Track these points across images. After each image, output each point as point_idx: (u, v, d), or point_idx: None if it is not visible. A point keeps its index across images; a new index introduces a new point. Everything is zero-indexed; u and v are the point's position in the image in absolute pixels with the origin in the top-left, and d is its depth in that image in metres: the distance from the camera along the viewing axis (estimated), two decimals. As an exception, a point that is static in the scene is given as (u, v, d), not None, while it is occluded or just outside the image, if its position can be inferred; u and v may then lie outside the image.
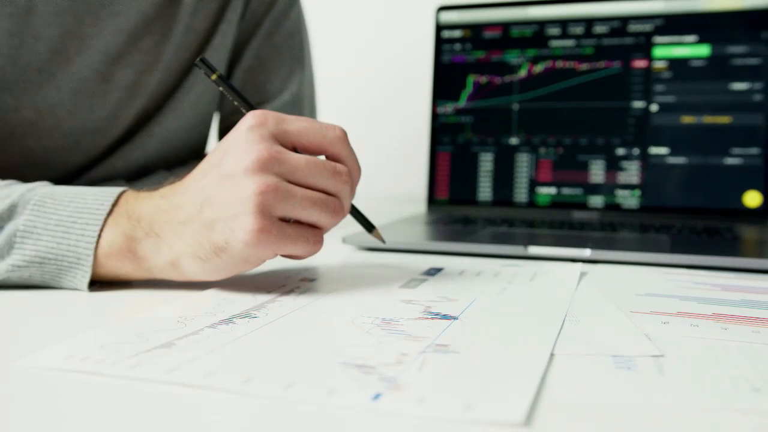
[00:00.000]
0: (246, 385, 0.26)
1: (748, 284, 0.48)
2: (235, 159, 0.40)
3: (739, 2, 0.83)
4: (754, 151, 0.81)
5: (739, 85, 0.82)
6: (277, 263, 0.54)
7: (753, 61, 0.82)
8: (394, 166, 1.32)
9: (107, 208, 0.42)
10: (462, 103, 0.93)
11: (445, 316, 0.37)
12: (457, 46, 0.93)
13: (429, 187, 0.93)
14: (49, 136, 0.63)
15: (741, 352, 0.32)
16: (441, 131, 0.93)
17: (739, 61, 0.82)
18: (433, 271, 0.51)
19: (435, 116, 0.94)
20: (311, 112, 0.81)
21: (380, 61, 1.32)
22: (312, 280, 0.47)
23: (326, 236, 0.72)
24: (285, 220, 0.41)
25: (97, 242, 0.42)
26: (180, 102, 0.70)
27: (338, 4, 1.32)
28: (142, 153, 0.69)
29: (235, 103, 0.47)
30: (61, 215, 0.42)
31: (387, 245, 0.61)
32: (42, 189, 0.44)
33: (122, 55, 0.64)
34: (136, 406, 0.25)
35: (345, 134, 0.44)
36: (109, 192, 0.44)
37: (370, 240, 0.62)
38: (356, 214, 0.49)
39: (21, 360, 0.29)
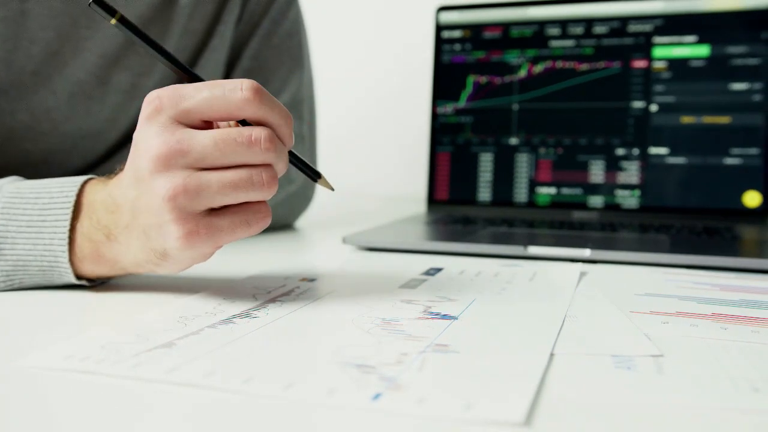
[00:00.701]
0: (246, 384, 0.26)
1: (747, 284, 0.48)
2: (140, 158, 0.38)
3: (739, 2, 0.83)
4: (753, 151, 0.81)
5: (739, 86, 0.82)
6: (277, 263, 0.54)
7: (752, 61, 0.82)
8: (394, 166, 1.32)
9: (71, 200, 0.41)
10: (462, 103, 0.93)
11: (445, 316, 0.37)
12: (457, 47, 0.93)
13: (429, 188, 0.93)
14: (46, 139, 0.63)
15: (740, 351, 0.32)
16: (441, 131, 0.93)
17: (738, 61, 0.82)
18: (433, 271, 0.51)
19: (435, 116, 0.94)
20: (311, 113, 0.81)
21: (380, 62, 1.32)
22: (312, 280, 0.47)
23: (326, 236, 0.73)
24: (212, 211, 0.39)
25: (71, 243, 0.41)
26: None
27: (338, 5, 1.32)
28: None
29: (151, 52, 0.41)
30: (31, 215, 0.42)
31: (387, 245, 0.61)
32: (9, 187, 0.43)
33: (119, 57, 0.64)
34: (136, 406, 0.25)
35: (254, 90, 0.37)
36: (71, 184, 0.42)
37: (370, 240, 0.62)
38: (298, 163, 0.44)
39: (21, 360, 0.29)
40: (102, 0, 0.40)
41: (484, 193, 0.90)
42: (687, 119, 0.83)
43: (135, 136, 0.39)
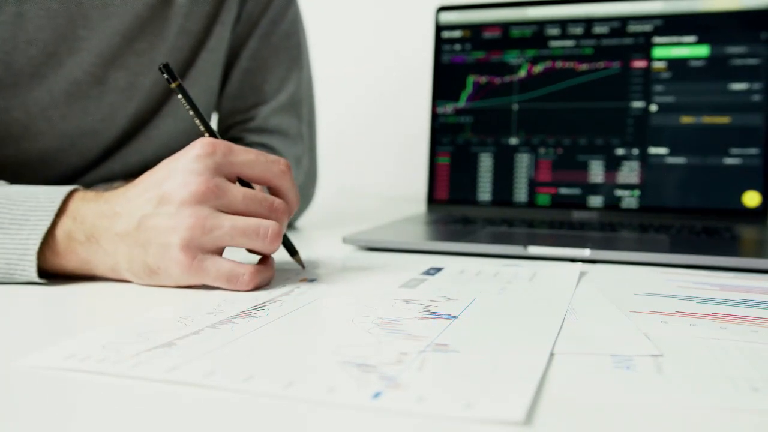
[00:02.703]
0: (246, 384, 0.26)
1: (747, 284, 0.48)
2: (177, 185, 0.42)
3: (739, 2, 0.83)
4: (753, 151, 0.81)
5: (738, 86, 0.82)
6: (277, 263, 0.54)
7: (752, 61, 0.82)
8: (394, 166, 1.32)
9: (56, 206, 0.43)
10: (462, 103, 0.93)
11: (445, 316, 0.37)
12: (457, 47, 0.94)
13: (429, 187, 0.93)
14: (43, 138, 0.63)
15: (740, 351, 0.32)
16: (441, 131, 0.93)
17: (738, 62, 0.82)
18: (433, 271, 0.51)
19: (435, 116, 0.94)
20: (310, 112, 0.81)
21: (380, 62, 1.32)
22: (312, 280, 0.47)
23: (326, 236, 0.73)
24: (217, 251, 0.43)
25: (46, 238, 0.43)
26: (177, 104, 0.70)
27: (338, 5, 1.33)
28: (140, 156, 0.69)
29: (196, 121, 0.47)
30: (15, 214, 0.44)
31: (387, 245, 0.61)
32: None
33: (116, 57, 0.64)
34: (137, 406, 0.25)
35: (289, 168, 0.46)
36: (60, 191, 0.45)
37: (370, 240, 0.62)
38: (287, 242, 0.50)
39: (22, 360, 0.29)
40: (169, 67, 0.47)
41: (484, 193, 0.90)
42: (687, 119, 0.84)
43: (173, 162, 0.43)
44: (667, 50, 0.85)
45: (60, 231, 0.43)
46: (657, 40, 0.85)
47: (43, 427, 0.23)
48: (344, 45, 1.33)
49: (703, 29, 0.84)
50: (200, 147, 0.43)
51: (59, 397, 0.26)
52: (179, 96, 0.47)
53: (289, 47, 0.77)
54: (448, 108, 0.93)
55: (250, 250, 0.45)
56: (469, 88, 0.93)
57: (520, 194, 0.89)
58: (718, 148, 0.82)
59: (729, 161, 0.82)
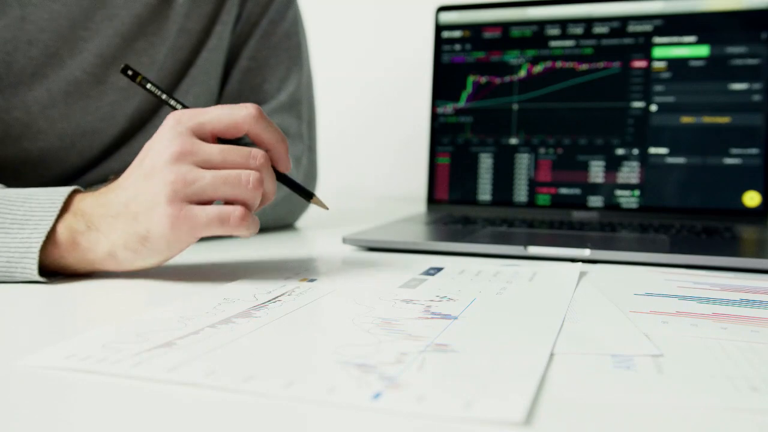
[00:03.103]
0: (246, 383, 0.26)
1: (747, 284, 0.48)
2: (156, 155, 0.44)
3: (739, 2, 0.83)
4: (753, 151, 0.81)
5: (738, 86, 0.82)
6: (277, 263, 0.54)
7: (752, 61, 0.82)
8: (394, 166, 1.32)
9: (59, 206, 0.44)
10: (462, 103, 0.93)
11: (445, 316, 0.37)
12: (457, 47, 0.94)
13: (429, 187, 0.93)
14: (43, 137, 0.63)
15: (740, 351, 0.32)
16: (441, 131, 0.93)
17: (738, 62, 0.82)
18: (433, 271, 0.51)
19: (435, 116, 0.94)
20: (309, 112, 0.81)
21: (380, 62, 1.32)
22: (312, 280, 0.47)
23: (326, 236, 0.73)
24: (206, 203, 0.44)
25: (49, 237, 0.44)
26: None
27: (338, 5, 1.33)
28: None
29: (170, 103, 0.49)
30: (16, 215, 0.45)
31: (387, 245, 0.61)
32: None
33: (116, 57, 0.64)
34: (137, 405, 0.25)
35: (257, 111, 0.46)
36: (60, 192, 0.46)
37: (370, 240, 0.62)
38: (291, 184, 0.50)
39: (22, 359, 0.29)
40: (130, 66, 0.49)
41: (484, 193, 0.90)
42: (687, 119, 0.84)
43: (150, 143, 0.45)
44: (667, 50, 0.85)
45: (61, 227, 0.44)
46: (657, 40, 0.85)
47: (43, 427, 0.23)
48: (344, 45, 1.33)
49: (703, 29, 0.84)
50: (169, 119, 0.45)
51: (59, 397, 0.26)
52: (148, 86, 0.49)
53: (289, 47, 0.77)
54: (448, 108, 0.93)
55: (228, 202, 0.45)
56: (469, 88, 0.93)
57: (520, 194, 0.89)
58: (718, 148, 0.82)
59: (729, 161, 0.82)
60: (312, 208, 0.86)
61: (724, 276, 0.51)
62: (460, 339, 0.33)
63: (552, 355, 0.31)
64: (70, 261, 0.45)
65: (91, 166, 0.68)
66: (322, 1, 1.27)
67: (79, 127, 0.64)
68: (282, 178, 0.49)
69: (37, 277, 0.44)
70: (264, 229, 0.77)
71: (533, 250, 0.58)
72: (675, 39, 0.85)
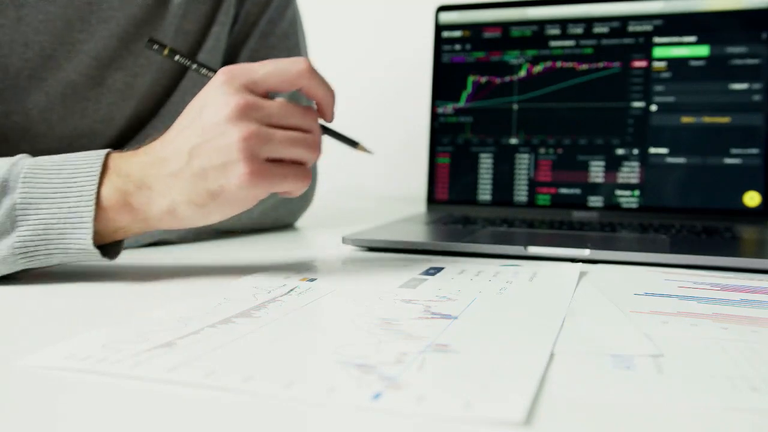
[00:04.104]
0: (246, 383, 0.26)
1: (747, 284, 0.48)
2: (214, 110, 0.43)
3: (739, 2, 0.83)
4: (753, 151, 0.81)
5: (739, 86, 0.82)
6: (277, 263, 0.54)
7: (752, 61, 0.82)
8: (394, 166, 1.32)
9: (98, 169, 0.44)
10: (462, 103, 0.93)
11: (445, 316, 0.37)
12: (457, 47, 0.93)
13: (429, 187, 0.93)
14: (42, 140, 0.63)
15: (740, 351, 0.32)
16: (441, 131, 0.93)
17: (738, 62, 0.82)
18: (433, 271, 0.51)
19: (435, 116, 0.94)
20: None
21: (380, 62, 1.32)
22: (312, 280, 0.47)
23: (326, 236, 0.73)
24: (270, 161, 0.45)
25: (96, 200, 0.43)
26: (175, 105, 0.70)
27: (338, 5, 1.32)
28: None
29: (201, 71, 0.50)
30: (55, 183, 0.44)
31: (387, 245, 0.61)
32: (25, 161, 0.45)
33: (113, 58, 0.64)
34: (137, 405, 0.25)
35: (308, 65, 0.46)
36: (96, 154, 0.45)
37: (370, 240, 0.62)
38: (336, 135, 0.53)
39: (22, 359, 0.29)
40: (156, 38, 0.51)
41: (484, 193, 0.90)
42: (687, 119, 0.83)
43: (201, 97, 0.45)
44: (667, 50, 0.85)
45: (107, 189, 0.44)
46: (657, 40, 0.85)
47: (43, 427, 0.23)
48: (344, 45, 1.33)
49: (703, 29, 0.84)
50: (220, 75, 0.45)
51: (59, 397, 0.26)
52: (176, 58, 0.50)
53: (287, 47, 0.77)
54: (448, 108, 0.93)
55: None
56: (469, 88, 0.93)
57: (520, 194, 0.89)
58: (719, 148, 0.82)
59: (729, 161, 0.82)
60: (311, 208, 0.86)
61: (724, 276, 0.51)
62: (460, 339, 0.33)
63: (552, 355, 0.31)
64: (122, 223, 0.44)
65: None
66: (322, 1, 1.27)
67: (77, 129, 0.64)
68: (325, 129, 0.51)
69: (92, 248, 0.43)
70: (264, 229, 0.77)
71: (533, 250, 0.58)
72: (675, 39, 0.85)
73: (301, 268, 0.51)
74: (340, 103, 1.44)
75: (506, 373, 0.28)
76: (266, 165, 0.44)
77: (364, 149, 0.53)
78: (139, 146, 0.47)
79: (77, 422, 0.24)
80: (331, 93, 0.48)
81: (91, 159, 0.45)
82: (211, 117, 0.43)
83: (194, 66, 0.50)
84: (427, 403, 0.24)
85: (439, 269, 0.52)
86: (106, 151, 0.46)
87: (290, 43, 0.77)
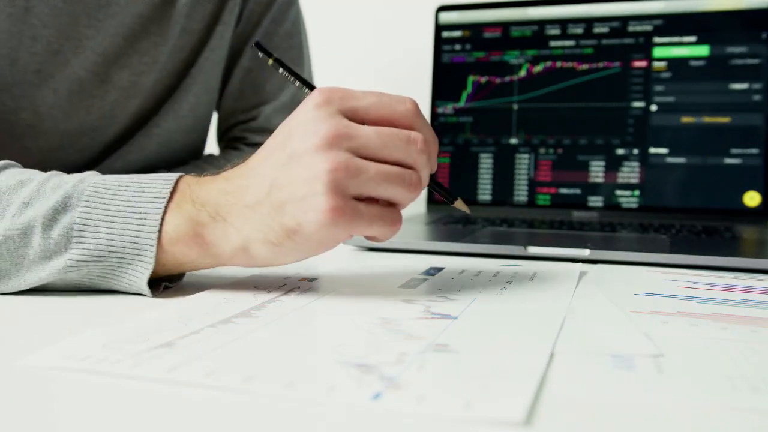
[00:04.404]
0: (246, 383, 0.26)
1: (747, 284, 0.48)
2: (303, 137, 0.38)
3: (739, 2, 0.83)
4: (753, 151, 0.81)
5: (739, 86, 0.82)
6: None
7: (752, 61, 0.82)
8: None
9: (166, 195, 0.40)
10: (462, 103, 0.93)
11: (444, 316, 0.37)
12: (457, 47, 0.93)
13: (429, 187, 0.93)
14: (46, 137, 0.63)
15: (740, 352, 0.32)
16: (441, 131, 0.93)
17: (738, 62, 0.82)
18: (433, 271, 0.51)
19: (435, 116, 0.94)
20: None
21: (380, 62, 1.32)
22: (312, 280, 0.47)
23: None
24: (360, 199, 0.39)
25: (160, 231, 0.40)
26: (178, 103, 0.70)
27: (338, 5, 1.32)
28: (141, 154, 0.69)
29: (297, 84, 0.46)
30: (118, 205, 0.40)
31: (387, 245, 0.61)
32: (93, 179, 0.42)
33: (119, 56, 0.64)
34: (137, 405, 0.25)
35: (416, 106, 0.41)
36: (166, 178, 0.41)
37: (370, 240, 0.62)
38: (435, 185, 0.47)
39: (22, 359, 0.29)
40: (262, 44, 0.47)
41: (484, 193, 0.90)
42: (687, 119, 0.83)
43: (292, 120, 0.40)
44: (667, 50, 0.85)
45: (178, 218, 0.40)
46: (657, 40, 0.85)
47: (42, 427, 0.23)
48: (344, 45, 1.33)
49: (703, 29, 0.84)
50: (317, 95, 0.39)
51: (59, 397, 0.26)
52: (280, 70, 0.46)
53: (290, 47, 0.77)
54: (448, 108, 0.93)
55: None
56: (469, 88, 0.93)
57: (520, 194, 0.89)
58: (719, 148, 0.82)
59: (729, 161, 0.82)
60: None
61: (724, 276, 0.51)
62: (460, 339, 0.33)
63: (552, 355, 0.31)
64: (191, 257, 0.40)
65: (92, 164, 0.68)
66: (322, 1, 1.27)
67: (81, 126, 0.64)
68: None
69: (144, 286, 0.40)
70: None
71: (533, 250, 0.58)
72: (675, 39, 0.85)
73: (301, 268, 0.51)
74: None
75: (506, 373, 0.28)
76: (353, 203, 0.38)
77: (462, 206, 0.48)
78: (218, 171, 0.43)
79: (77, 422, 0.24)
80: (435, 139, 0.42)
81: (159, 182, 0.41)
82: (298, 145, 0.38)
83: (292, 79, 0.46)
84: (427, 403, 0.24)
85: (439, 269, 0.52)
86: (178, 174, 0.42)
87: (294, 42, 0.78)
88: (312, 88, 0.45)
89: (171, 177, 0.41)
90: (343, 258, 0.58)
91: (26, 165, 0.64)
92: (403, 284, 0.46)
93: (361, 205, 0.39)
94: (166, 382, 0.27)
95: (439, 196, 0.48)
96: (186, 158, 0.75)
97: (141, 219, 0.40)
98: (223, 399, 0.25)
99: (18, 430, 0.23)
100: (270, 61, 0.46)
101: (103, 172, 0.68)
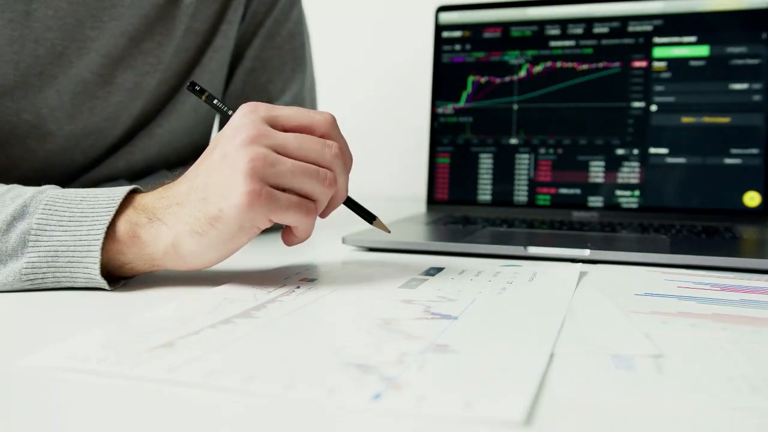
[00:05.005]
0: (246, 384, 0.26)
1: (747, 284, 0.48)
2: (229, 140, 0.42)
3: (739, 2, 0.83)
4: (753, 151, 0.81)
5: (739, 86, 0.82)
6: (277, 263, 0.54)
7: (752, 61, 0.82)
8: (394, 166, 1.32)
9: (117, 203, 0.43)
10: (462, 103, 0.93)
11: (444, 316, 0.37)
12: (457, 47, 0.94)
13: (429, 187, 0.93)
14: (50, 138, 0.63)
15: (740, 351, 0.32)
16: (441, 131, 0.93)
17: (738, 62, 0.82)
18: (433, 271, 0.51)
19: (435, 116, 0.94)
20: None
21: (380, 62, 1.32)
22: (312, 280, 0.47)
23: (326, 236, 0.73)
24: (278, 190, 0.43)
25: (107, 232, 0.42)
26: (181, 103, 0.70)
27: (338, 5, 1.32)
28: (144, 154, 0.69)
29: (225, 110, 0.50)
30: (74, 212, 0.43)
31: (387, 245, 0.61)
32: (52, 191, 0.45)
33: (123, 57, 0.64)
34: (137, 405, 0.25)
35: (334, 119, 0.45)
36: (119, 190, 0.45)
37: (370, 240, 0.62)
38: (353, 205, 0.50)
39: (22, 360, 0.29)
40: (196, 83, 0.52)
41: (484, 193, 0.90)
42: (687, 119, 0.83)
43: (224, 129, 0.44)
44: (667, 50, 0.85)
45: (121, 221, 0.43)
46: (657, 40, 0.85)
47: (43, 427, 0.23)
48: (344, 45, 1.33)
49: (703, 29, 0.84)
50: (244, 107, 0.44)
51: (59, 397, 0.26)
52: (215, 101, 0.51)
53: (293, 48, 0.77)
54: (448, 108, 0.93)
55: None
56: (469, 88, 0.93)
57: (520, 194, 0.89)
58: (719, 148, 0.82)
59: (729, 161, 0.82)
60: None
61: (724, 276, 0.51)
62: (460, 339, 0.33)
63: (552, 355, 0.31)
64: (129, 257, 0.43)
65: (94, 165, 0.68)
66: (323, 2, 1.27)
67: (85, 127, 0.64)
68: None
69: (99, 279, 0.42)
70: (264, 230, 0.77)
71: (533, 250, 0.58)
72: (675, 39, 0.85)
73: (301, 269, 0.51)
74: (341, 102, 1.44)
75: (506, 373, 0.28)
76: (269, 189, 0.41)
77: (382, 226, 0.51)
78: (163, 182, 0.46)
79: (77, 422, 0.24)
80: (350, 153, 0.46)
81: (113, 193, 0.44)
82: (226, 145, 0.42)
83: (230, 112, 0.49)
84: (427, 403, 0.24)
85: (439, 269, 0.52)
86: (131, 187, 0.45)
87: (296, 43, 0.78)
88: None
89: (124, 189, 0.45)
90: (343, 258, 0.58)
91: (30, 166, 0.64)
92: (403, 284, 0.46)
93: (277, 192, 0.42)
94: (166, 382, 0.27)
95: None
96: (188, 158, 0.75)
97: (92, 222, 0.43)
98: (223, 399, 0.25)
99: (18, 430, 0.23)
100: (204, 97, 0.51)
101: (106, 172, 0.68)
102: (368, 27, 1.33)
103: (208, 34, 0.70)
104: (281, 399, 0.25)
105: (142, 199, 0.44)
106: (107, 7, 0.62)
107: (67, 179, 0.66)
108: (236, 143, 0.42)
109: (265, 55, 0.75)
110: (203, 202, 0.42)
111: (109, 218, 0.42)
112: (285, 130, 0.44)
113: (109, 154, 0.68)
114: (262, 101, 0.75)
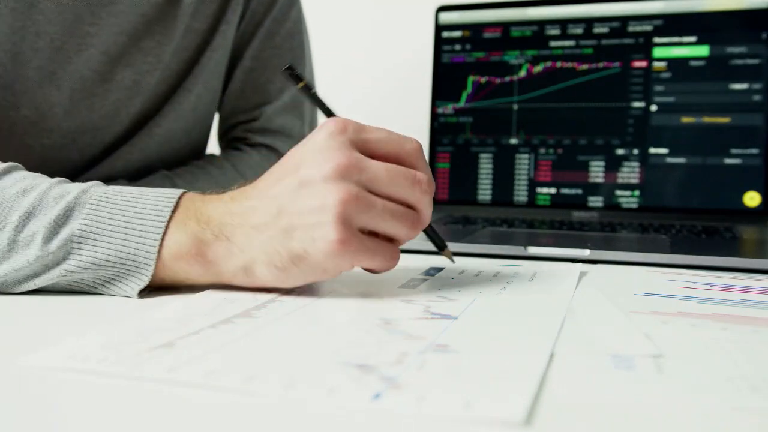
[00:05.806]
0: (246, 384, 0.26)
1: (747, 284, 0.48)
2: (315, 165, 0.39)
3: (739, 2, 0.83)
4: (753, 151, 0.81)
5: (739, 86, 0.82)
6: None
7: (752, 61, 0.82)
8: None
9: (167, 213, 0.41)
10: (462, 103, 0.93)
11: (444, 316, 0.37)
12: (457, 47, 0.94)
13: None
14: (48, 135, 0.63)
15: (740, 351, 0.32)
16: (441, 131, 0.93)
17: (738, 62, 0.82)
18: (433, 271, 0.51)
19: (435, 116, 0.94)
20: (311, 113, 0.81)
21: (380, 62, 1.32)
22: (312, 280, 0.47)
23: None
24: (363, 232, 0.40)
25: (160, 248, 0.40)
26: (180, 103, 0.70)
27: (337, 5, 1.32)
28: (142, 154, 0.69)
29: (319, 110, 0.47)
30: (119, 220, 0.40)
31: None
32: (96, 189, 0.42)
33: (122, 55, 0.64)
34: (137, 406, 0.25)
35: (421, 147, 0.43)
36: (168, 195, 0.42)
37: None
38: (431, 230, 0.48)
39: (22, 360, 0.29)
40: (293, 68, 0.47)
41: (484, 193, 0.90)
42: (687, 119, 0.84)
43: (305, 146, 0.40)
44: (667, 50, 0.85)
45: (181, 236, 0.40)
46: (657, 40, 0.85)
47: (43, 427, 0.23)
48: (344, 45, 1.33)
49: (703, 29, 0.84)
50: (332, 125, 0.40)
51: (59, 397, 0.26)
52: (303, 91, 0.47)
53: (292, 47, 0.77)
54: (448, 108, 0.93)
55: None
56: (469, 88, 0.93)
57: (520, 194, 0.89)
58: (719, 148, 0.82)
59: (729, 161, 0.82)
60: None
61: (724, 276, 0.51)
62: (460, 339, 0.33)
63: (552, 355, 0.31)
64: (193, 274, 0.41)
65: (93, 164, 0.68)
66: (322, 1, 1.27)
67: (82, 125, 0.64)
68: None
69: (135, 295, 0.40)
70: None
71: (533, 250, 0.58)
72: (675, 39, 0.85)
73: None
74: (340, 102, 1.44)
75: (506, 373, 0.28)
76: (358, 236, 0.39)
77: (449, 256, 0.49)
78: (223, 190, 0.43)
79: (77, 422, 0.24)
80: (434, 183, 0.43)
81: (161, 199, 0.41)
82: (310, 172, 0.39)
83: (318, 107, 0.47)
84: (427, 403, 0.24)
85: (439, 269, 0.52)
86: (180, 191, 0.42)
87: (295, 42, 0.78)
88: (331, 115, 0.46)
89: (174, 193, 0.42)
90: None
91: (27, 163, 0.64)
92: (403, 284, 0.46)
93: (366, 238, 0.40)
94: (166, 382, 0.27)
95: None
96: (187, 158, 0.75)
97: (141, 236, 0.40)
98: (223, 399, 0.25)
99: (18, 430, 0.23)
100: (300, 86, 0.46)
101: (104, 171, 0.68)
102: (368, 27, 1.33)
103: (208, 34, 0.70)
104: (281, 399, 0.25)
105: (204, 209, 0.41)
106: (106, 4, 0.62)
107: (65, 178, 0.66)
108: (324, 173, 0.38)
109: (264, 54, 0.75)
110: (286, 236, 0.39)
111: (160, 233, 0.40)
112: (373, 155, 0.41)
113: (108, 154, 0.68)
114: (261, 101, 0.76)
